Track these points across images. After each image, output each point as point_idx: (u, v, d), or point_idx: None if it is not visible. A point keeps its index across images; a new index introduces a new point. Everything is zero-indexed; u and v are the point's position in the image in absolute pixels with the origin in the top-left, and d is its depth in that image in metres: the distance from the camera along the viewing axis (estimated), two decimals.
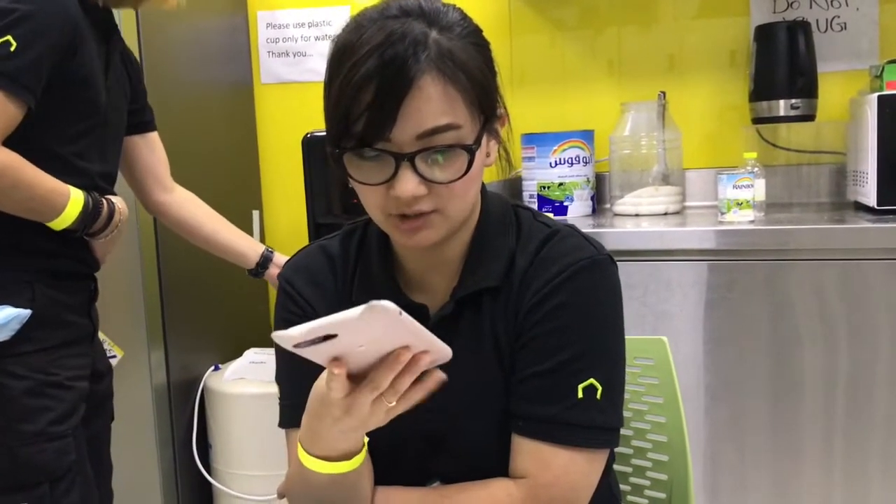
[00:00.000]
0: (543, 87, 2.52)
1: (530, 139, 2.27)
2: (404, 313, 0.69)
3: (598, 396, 0.91)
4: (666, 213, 2.17)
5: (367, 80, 0.81)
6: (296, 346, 0.71)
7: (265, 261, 1.78)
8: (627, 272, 1.90)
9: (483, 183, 0.98)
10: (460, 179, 0.86)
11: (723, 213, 1.89)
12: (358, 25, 0.85)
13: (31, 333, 1.40)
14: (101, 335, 2.11)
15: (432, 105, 0.82)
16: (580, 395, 0.90)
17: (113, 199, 1.51)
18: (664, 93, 2.21)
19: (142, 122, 1.70)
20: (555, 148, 2.24)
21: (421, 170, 0.84)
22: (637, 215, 2.17)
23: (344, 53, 0.84)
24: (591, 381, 0.90)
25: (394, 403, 0.76)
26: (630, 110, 2.25)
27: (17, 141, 1.33)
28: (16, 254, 1.42)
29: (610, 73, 2.47)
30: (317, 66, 2.65)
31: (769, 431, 1.84)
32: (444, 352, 0.77)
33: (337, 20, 2.63)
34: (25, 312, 1.40)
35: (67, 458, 1.45)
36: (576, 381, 0.90)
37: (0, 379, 1.39)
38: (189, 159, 2.30)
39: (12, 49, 1.29)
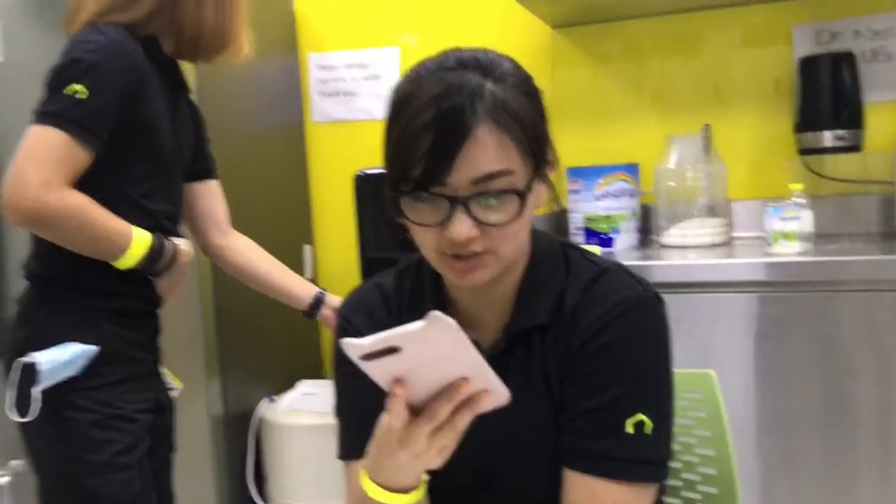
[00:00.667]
0: (587, 120, 2.56)
1: (576, 172, 2.30)
2: (462, 332, 0.73)
3: (648, 431, 0.93)
4: (713, 245, 2.18)
5: (425, 129, 0.86)
6: (363, 356, 0.75)
7: (318, 302, 1.82)
8: (674, 304, 1.88)
9: (532, 223, 1.02)
10: (512, 222, 0.90)
11: (770, 245, 1.90)
12: (417, 76, 0.91)
13: (98, 369, 1.47)
14: (163, 368, 2.20)
15: (487, 153, 0.87)
16: (630, 430, 0.93)
17: (177, 240, 1.57)
18: (708, 125, 2.23)
19: (204, 170, 1.77)
20: (600, 181, 2.27)
21: (475, 213, 0.88)
22: (684, 247, 2.18)
23: (404, 103, 0.89)
24: (641, 416, 0.93)
25: (446, 443, 0.80)
26: (675, 143, 2.27)
27: (87, 183, 1.41)
28: (83, 294, 1.50)
29: (654, 105, 2.49)
30: (366, 105, 2.73)
31: (822, 465, 1.82)
32: (501, 392, 0.80)
33: (385, 61, 2.71)
34: (92, 349, 1.47)
35: (132, 488, 1.51)
36: (625, 416, 0.93)
37: (68, 412, 1.46)
38: (243, 195, 2.38)
39: (82, 98, 1.37)
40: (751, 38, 2.39)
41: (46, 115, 1.37)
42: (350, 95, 2.77)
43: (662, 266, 1.97)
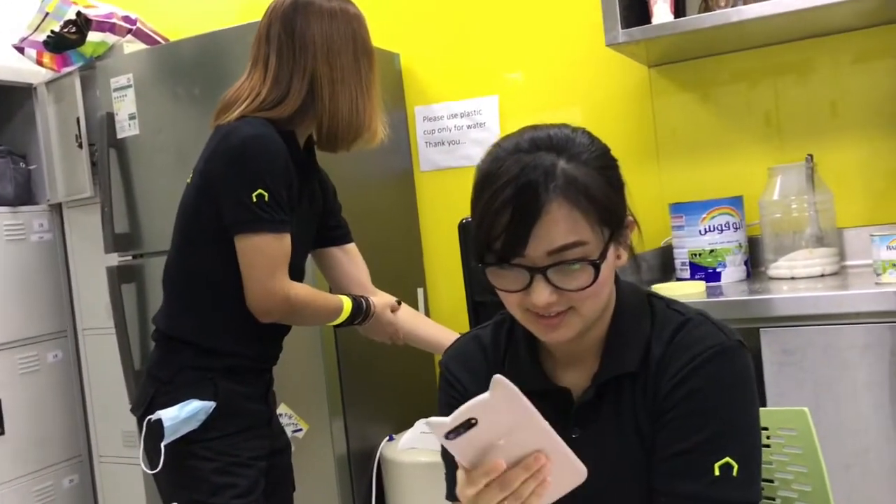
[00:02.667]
0: (689, 155, 2.57)
1: (678, 208, 2.32)
2: (525, 399, 0.80)
3: (735, 473, 0.98)
4: (823, 275, 2.16)
5: (504, 207, 0.95)
6: (446, 435, 0.83)
7: None
8: (783, 338, 1.91)
9: (617, 275, 1.09)
10: (588, 287, 0.97)
11: (878, 275, 1.87)
12: (496, 157, 1.00)
13: (215, 423, 1.64)
14: (287, 409, 2.36)
15: (559, 227, 0.95)
16: (717, 472, 0.98)
17: (373, 298, 1.87)
18: (811, 155, 2.21)
19: (341, 235, 1.95)
20: (704, 216, 2.28)
21: (553, 280, 0.97)
22: (793, 278, 2.17)
23: (485, 182, 0.99)
24: (727, 459, 0.98)
25: None
26: (778, 174, 2.27)
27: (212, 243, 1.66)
28: (202, 353, 1.67)
29: (756, 137, 2.49)
30: (470, 152, 2.84)
31: None
32: (578, 468, 0.86)
33: (487, 109, 2.83)
34: (210, 404, 1.64)
35: None
36: (713, 459, 0.98)
37: (191, 461, 1.63)
38: (361, 242, 2.52)
39: (266, 199, 1.58)
40: (856, 63, 2.36)
41: (248, 224, 1.58)
42: (454, 144, 2.90)
43: (770, 299, 1.97)
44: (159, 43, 2.99)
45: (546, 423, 0.83)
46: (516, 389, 0.81)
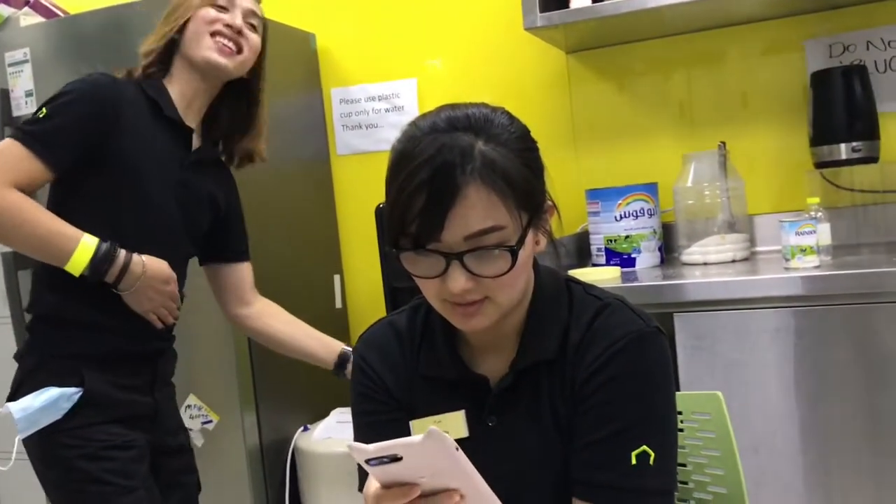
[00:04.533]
0: (605, 141, 2.59)
1: (595, 194, 2.33)
2: (460, 450, 0.78)
3: (651, 462, 0.97)
4: (734, 261, 2.20)
5: (419, 189, 0.91)
6: (367, 461, 0.80)
7: (343, 361, 1.84)
8: (695, 322, 1.94)
9: (536, 259, 1.06)
10: (506, 274, 0.94)
11: (787, 260, 1.92)
12: (412, 137, 0.95)
13: (82, 411, 1.53)
14: (196, 400, 2.27)
15: (476, 211, 0.91)
16: (633, 461, 0.97)
17: (146, 257, 1.56)
18: (724, 143, 2.26)
19: (235, 253, 1.83)
20: (619, 202, 2.30)
21: (469, 266, 0.93)
22: (705, 264, 2.20)
23: (400, 162, 0.95)
24: (644, 447, 0.97)
25: None
26: (691, 161, 2.30)
27: (72, 212, 1.52)
28: (66, 339, 1.56)
29: (670, 125, 2.52)
30: (388, 136, 2.78)
31: (851, 479, 1.82)
32: None
33: (405, 92, 2.78)
34: (72, 391, 1.53)
35: None
36: (629, 448, 0.97)
37: (58, 452, 1.53)
38: (274, 229, 2.46)
39: (41, 116, 1.50)
40: (765, 54, 2.41)
41: (14, 130, 1.53)
42: (372, 127, 2.84)
43: (684, 284, 1.99)
44: (58, 16, 2.83)
45: (474, 471, 0.82)
46: (450, 440, 0.78)
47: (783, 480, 1.87)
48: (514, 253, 0.94)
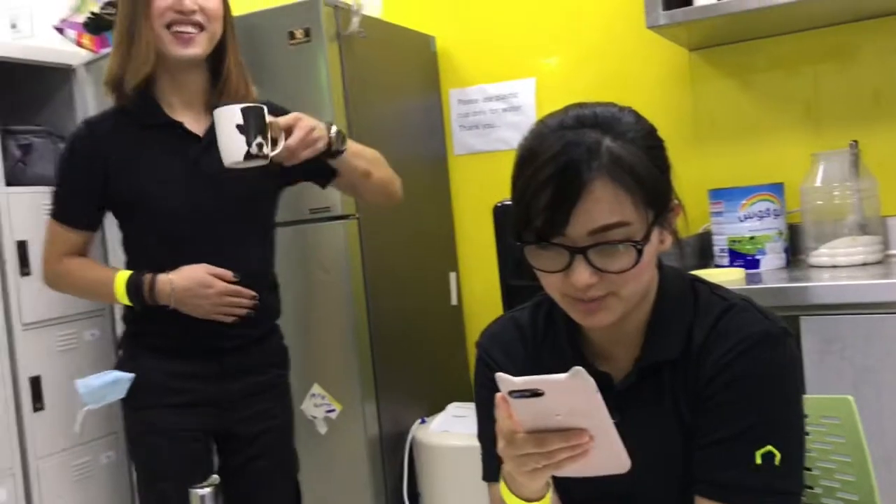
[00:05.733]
0: (729, 140, 2.54)
1: (718, 194, 2.29)
2: (599, 393, 0.82)
3: (777, 462, 0.96)
4: (865, 264, 2.11)
5: (545, 184, 0.93)
6: (510, 392, 0.84)
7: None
8: (824, 326, 1.88)
9: (660, 259, 1.07)
10: (630, 270, 0.95)
11: None
12: (539, 133, 0.98)
13: (135, 394, 1.73)
14: (321, 390, 2.37)
15: (602, 206, 0.93)
16: (758, 461, 0.96)
17: (171, 273, 1.66)
18: (856, 141, 2.17)
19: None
20: (743, 202, 2.25)
21: (593, 261, 0.95)
22: (834, 267, 2.13)
23: (527, 159, 0.97)
24: (769, 447, 0.96)
25: (538, 469, 0.88)
26: (820, 161, 2.22)
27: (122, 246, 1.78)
28: (130, 335, 1.79)
29: (798, 123, 2.44)
30: (505, 135, 2.82)
31: None
32: (622, 459, 0.88)
33: (523, 92, 2.80)
34: (129, 375, 1.72)
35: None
36: (754, 447, 0.96)
37: (125, 425, 1.81)
38: (392, 226, 2.53)
39: (55, 191, 1.74)
40: None
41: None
42: (489, 127, 2.88)
43: (811, 287, 1.93)
44: None
45: (608, 415, 0.85)
46: (593, 384, 0.81)
47: None
48: (639, 249, 0.94)
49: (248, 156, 1.53)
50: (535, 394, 0.82)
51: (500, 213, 2.26)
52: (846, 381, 1.83)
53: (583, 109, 0.99)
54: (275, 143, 1.56)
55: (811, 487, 1.23)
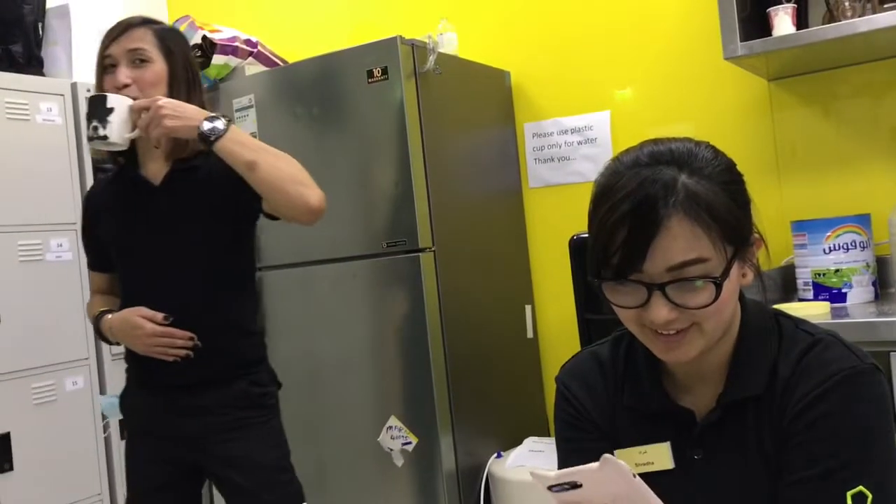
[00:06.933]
0: (812, 170, 2.48)
1: (801, 226, 2.24)
2: (638, 477, 0.80)
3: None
4: None
5: (622, 221, 0.94)
6: (549, 487, 0.83)
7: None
8: None
9: (742, 293, 1.05)
10: (709, 306, 0.94)
11: None
12: (615, 171, 0.98)
13: (126, 418, 1.94)
14: (397, 422, 2.39)
15: (679, 242, 0.93)
16: (849, 501, 0.93)
17: (114, 314, 1.80)
18: None
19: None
20: (828, 234, 2.19)
21: (672, 296, 0.94)
22: None
23: (603, 196, 0.98)
24: (860, 488, 0.93)
25: None
26: None
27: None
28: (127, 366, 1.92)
29: (882, 151, 2.37)
30: (580, 168, 2.82)
31: None
32: None
33: (598, 125, 2.80)
34: (112, 400, 1.97)
35: None
36: (844, 488, 0.93)
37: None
38: (468, 259, 2.55)
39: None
40: None
41: None
42: (564, 160, 2.88)
43: None
44: (278, 65, 3.11)
45: (654, 496, 0.83)
46: (626, 466, 0.80)
47: None
48: (717, 285, 0.94)
49: (90, 138, 1.71)
50: (574, 486, 0.82)
51: (575, 245, 2.26)
52: None
53: (658, 146, 0.99)
54: (134, 126, 1.70)
55: None
